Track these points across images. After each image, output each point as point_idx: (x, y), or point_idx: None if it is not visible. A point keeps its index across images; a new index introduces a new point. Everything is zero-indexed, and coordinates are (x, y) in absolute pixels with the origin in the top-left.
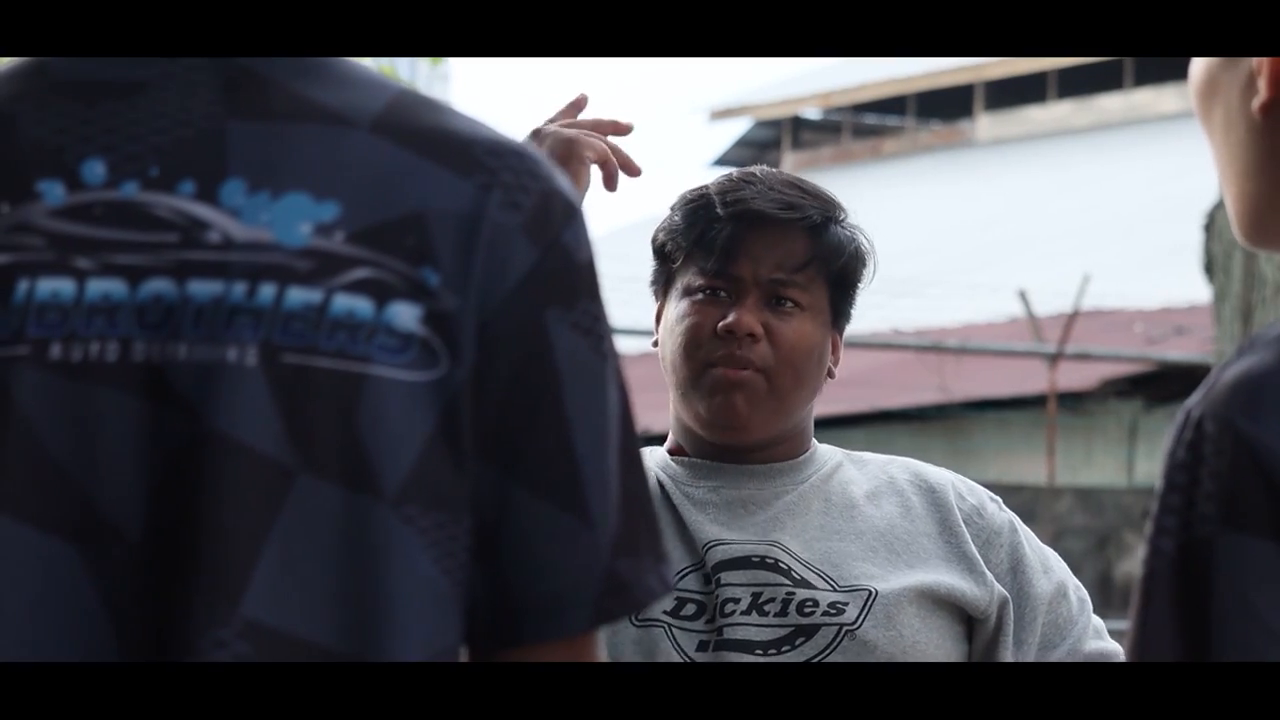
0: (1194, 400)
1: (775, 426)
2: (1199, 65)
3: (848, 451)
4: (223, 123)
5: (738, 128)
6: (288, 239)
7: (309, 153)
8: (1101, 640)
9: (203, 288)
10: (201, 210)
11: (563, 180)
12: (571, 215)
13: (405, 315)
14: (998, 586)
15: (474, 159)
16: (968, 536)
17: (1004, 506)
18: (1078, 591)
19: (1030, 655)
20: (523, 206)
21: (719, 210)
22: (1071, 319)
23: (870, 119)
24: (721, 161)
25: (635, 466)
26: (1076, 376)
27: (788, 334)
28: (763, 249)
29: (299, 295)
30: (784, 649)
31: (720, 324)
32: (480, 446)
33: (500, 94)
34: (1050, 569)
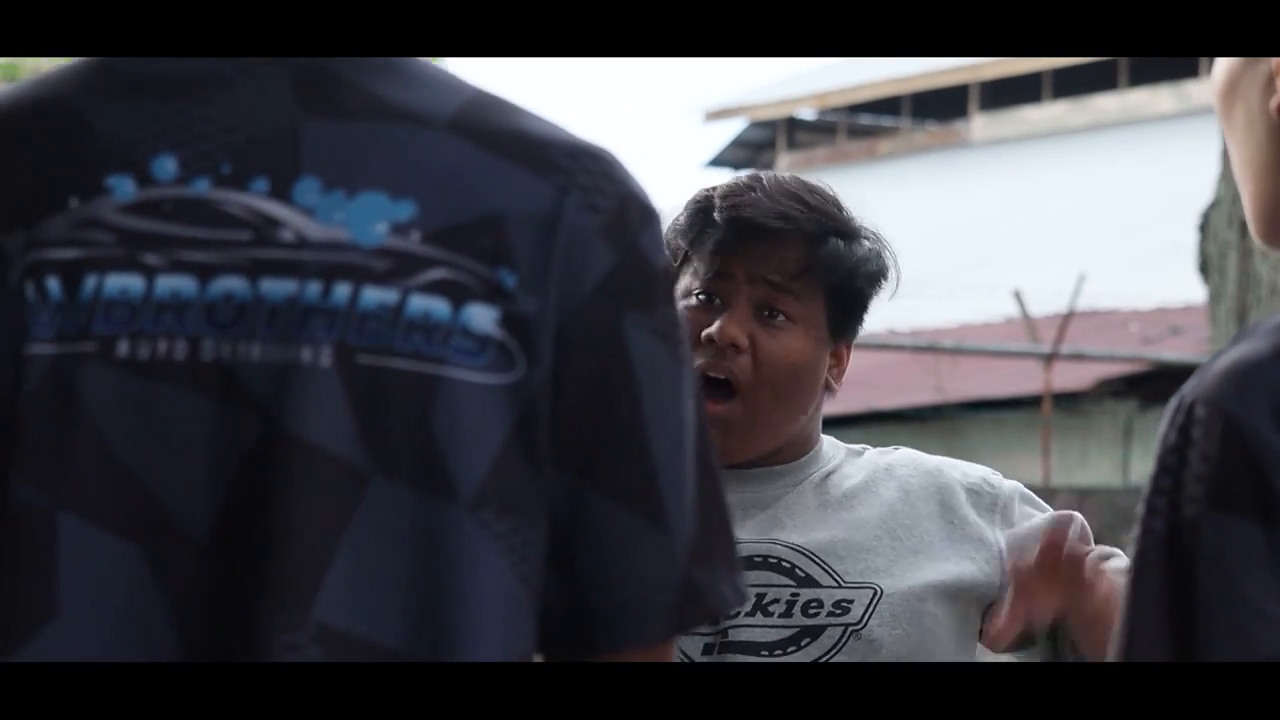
0: (1187, 386)
1: (758, 449)
2: (1220, 65)
3: (850, 446)
4: (296, 121)
5: (733, 128)
6: (363, 238)
7: (385, 151)
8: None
9: (276, 286)
10: (274, 208)
11: (639, 184)
12: (648, 219)
13: (482, 317)
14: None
15: (551, 160)
16: (973, 512)
17: (1005, 478)
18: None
19: None
20: (600, 209)
21: (715, 215)
22: (1067, 319)
23: (865, 119)
24: (716, 162)
25: (711, 473)
26: (1072, 377)
27: (772, 349)
28: (756, 257)
29: (374, 295)
30: (789, 650)
31: (704, 332)
32: (557, 451)
33: (500, 94)
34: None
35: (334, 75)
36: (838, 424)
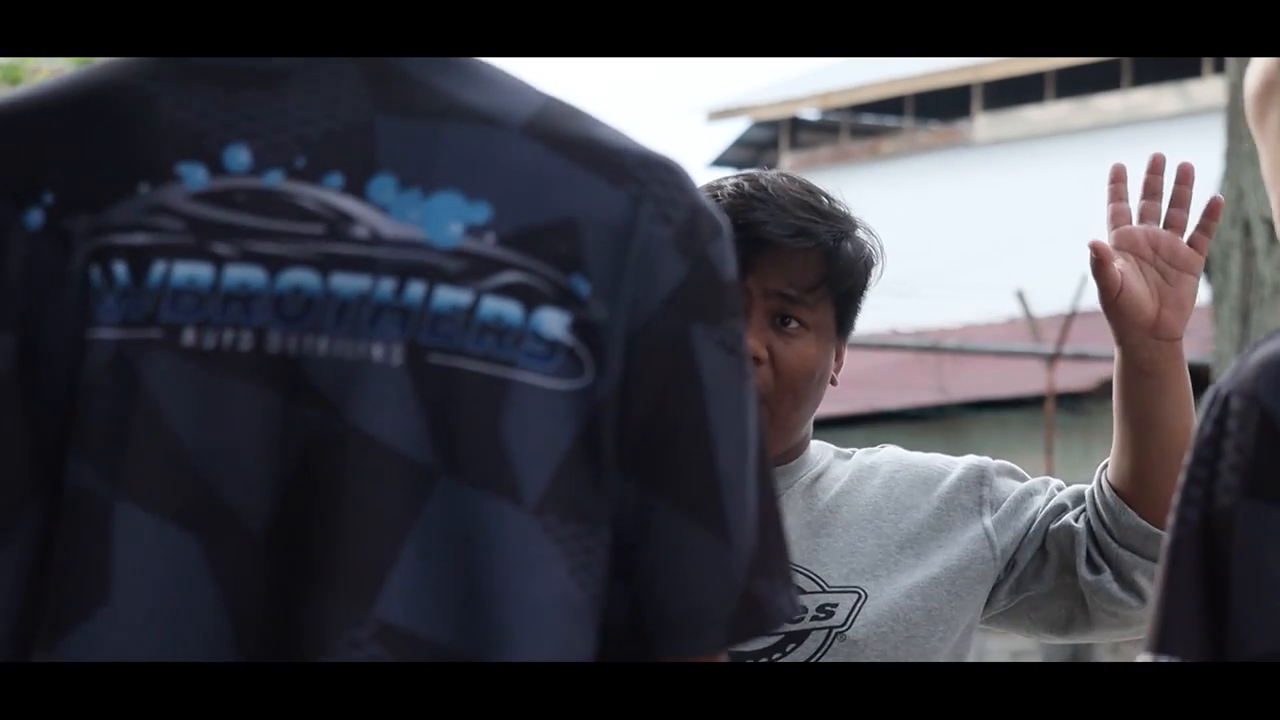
0: (1223, 379)
1: (774, 449)
2: (1256, 68)
3: (837, 449)
4: (370, 117)
5: (736, 128)
6: (438, 238)
7: (460, 152)
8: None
9: (347, 282)
10: (349, 204)
11: (707, 197)
12: (718, 232)
13: (553, 322)
14: (999, 538)
15: (625, 170)
16: (958, 494)
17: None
18: (1045, 484)
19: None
20: (673, 220)
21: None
22: (1069, 319)
23: (868, 119)
24: (720, 162)
25: (770, 487)
26: (1074, 376)
27: (790, 358)
28: (771, 269)
29: (448, 296)
30: (774, 656)
31: None
32: (622, 459)
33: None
34: (1035, 490)
35: (403, 73)
36: (839, 424)
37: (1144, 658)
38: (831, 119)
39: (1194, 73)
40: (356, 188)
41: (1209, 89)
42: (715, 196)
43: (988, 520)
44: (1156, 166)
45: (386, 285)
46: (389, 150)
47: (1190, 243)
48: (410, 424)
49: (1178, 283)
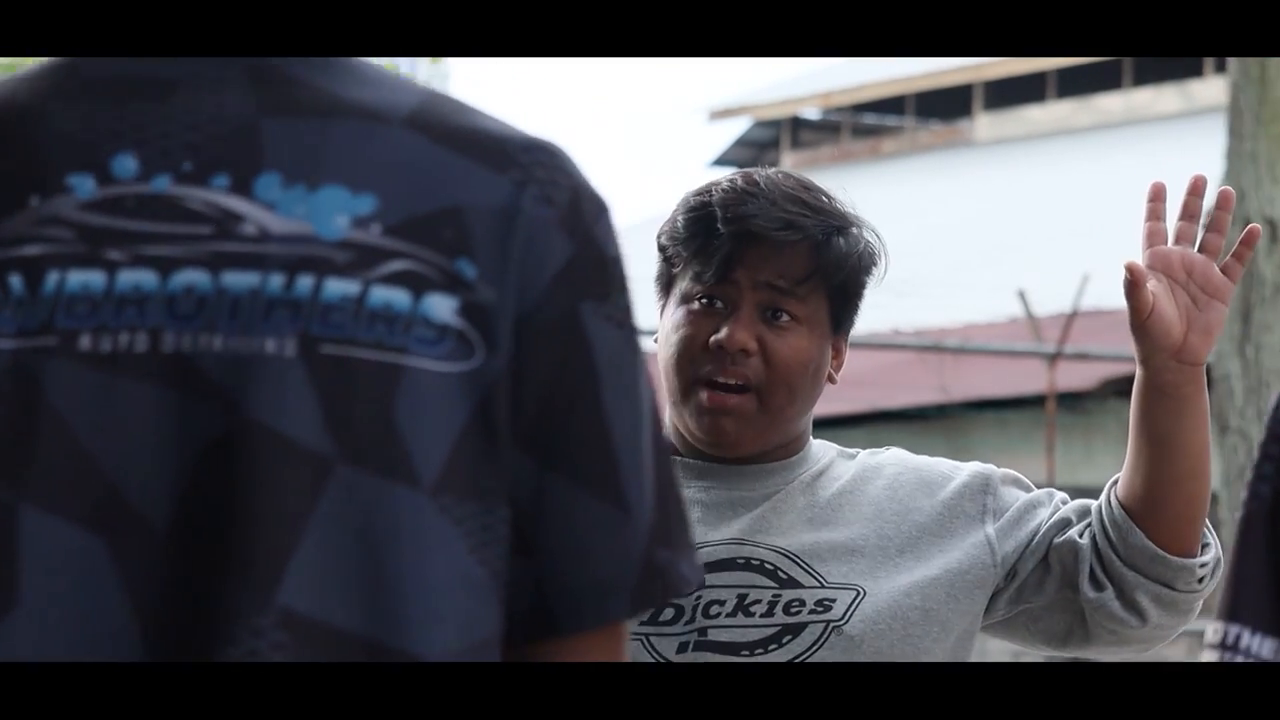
0: None
1: (768, 442)
2: None
3: (840, 448)
4: (255, 119)
5: (737, 128)
6: (325, 231)
7: (345, 147)
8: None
9: (238, 279)
10: (236, 203)
11: (589, 177)
12: (602, 211)
13: (441, 307)
14: (1000, 546)
15: (507, 156)
16: (961, 500)
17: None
18: (1050, 496)
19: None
20: (557, 202)
21: (719, 225)
22: (1071, 319)
23: (869, 119)
24: (721, 161)
25: (666, 457)
26: (1076, 376)
27: (782, 350)
28: (761, 262)
29: (337, 287)
30: (770, 648)
31: (712, 339)
32: (518, 437)
33: (500, 94)
34: (1039, 502)
35: (288, 75)
36: (841, 424)
37: (1214, 627)
38: (833, 118)
39: (1195, 72)
40: (243, 187)
41: (1210, 89)
42: (711, 192)
43: (990, 528)
44: (1197, 189)
45: (276, 280)
46: (274, 149)
47: (1223, 269)
48: (306, 414)
49: (1207, 308)
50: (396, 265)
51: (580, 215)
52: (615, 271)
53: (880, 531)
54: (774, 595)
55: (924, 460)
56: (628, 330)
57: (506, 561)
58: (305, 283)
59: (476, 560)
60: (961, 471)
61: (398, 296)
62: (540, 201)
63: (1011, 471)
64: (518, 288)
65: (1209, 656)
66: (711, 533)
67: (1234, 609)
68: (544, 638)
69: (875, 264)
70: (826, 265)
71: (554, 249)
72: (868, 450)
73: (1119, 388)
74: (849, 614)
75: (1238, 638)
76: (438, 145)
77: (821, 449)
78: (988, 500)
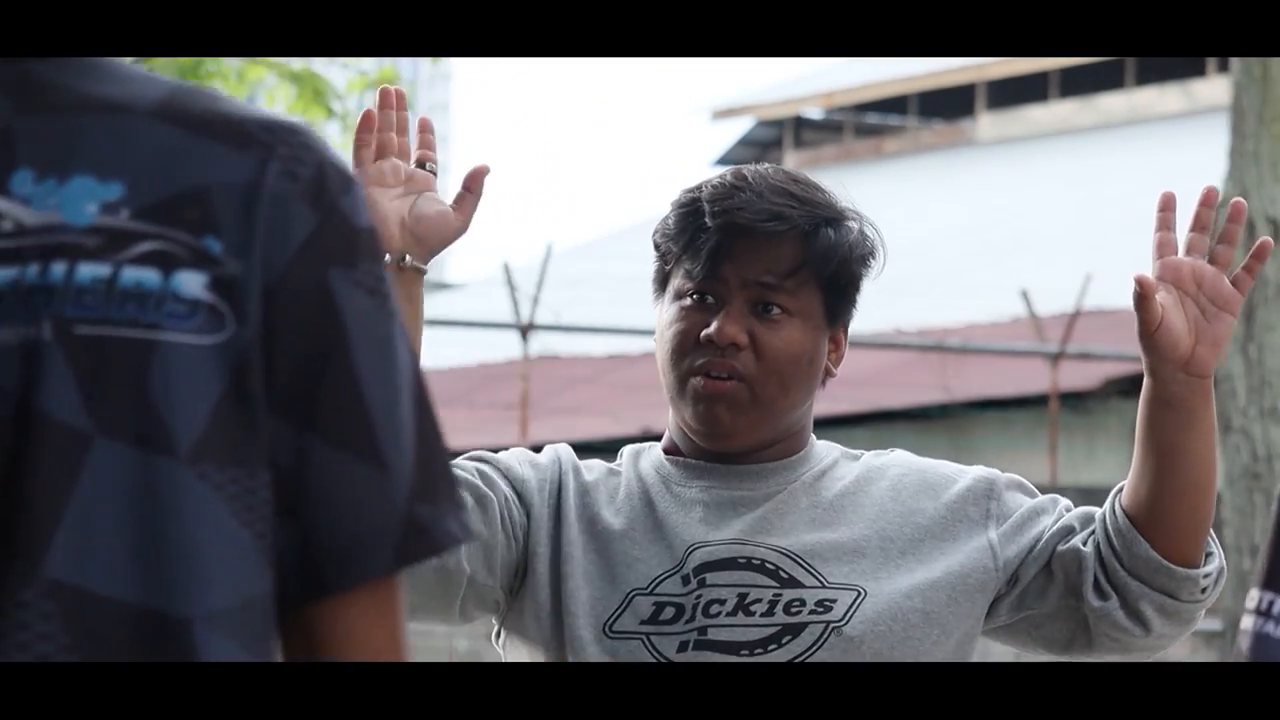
0: None
1: (763, 434)
2: None
3: (844, 448)
4: (8, 121)
5: (740, 127)
6: (75, 218)
7: (93, 139)
8: (1069, 535)
9: (0, 274)
10: None
11: (336, 154)
12: (349, 184)
13: (191, 283)
14: (1003, 551)
15: (250, 135)
16: (965, 504)
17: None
18: (1054, 503)
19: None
20: (300, 176)
21: (707, 220)
22: (1073, 318)
23: (872, 118)
24: (724, 161)
25: (429, 416)
26: (1079, 376)
27: (773, 343)
28: (749, 256)
29: (88, 270)
30: (770, 648)
31: (703, 333)
32: (274, 403)
33: (500, 94)
34: (1043, 508)
35: (40, 77)
36: (842, 423)
37: (1252, 594)
38: (835, 118)
39: (1198, 72)
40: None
41: (1213, 88)
42: (701, 189)
43: (992, 533)
44: (1209, 200)
45: (33, 269)
46: (26, 147)
47: (1233, 281)
48: (65, 394)
49: (1215, 320)
50: (146, 246)
51: (325, 188)
52: (364, 240)
53: (882, 533)
54: (775, 595)
55: (928, 463)
56: (380, 297)
57: (271, 523)
58: (58, 269)
59: (240, 523)
60: (966, 475)
61: (148, 275)
62: (283, 176)
63: (1016, 476)
64: (264, 259)
65: (1246, 622)
66: (713, 532)
67: (1270, 579)
68: (317, 598)
69: (871, 256)
70: (815, 256)
71: (299, 221)
72: (872, 452)
73: (1122, 387)
74: (849, 614)
75: (1271, 604)
76: (183, 131)
77: (825, 449)
78: (991, 505)
